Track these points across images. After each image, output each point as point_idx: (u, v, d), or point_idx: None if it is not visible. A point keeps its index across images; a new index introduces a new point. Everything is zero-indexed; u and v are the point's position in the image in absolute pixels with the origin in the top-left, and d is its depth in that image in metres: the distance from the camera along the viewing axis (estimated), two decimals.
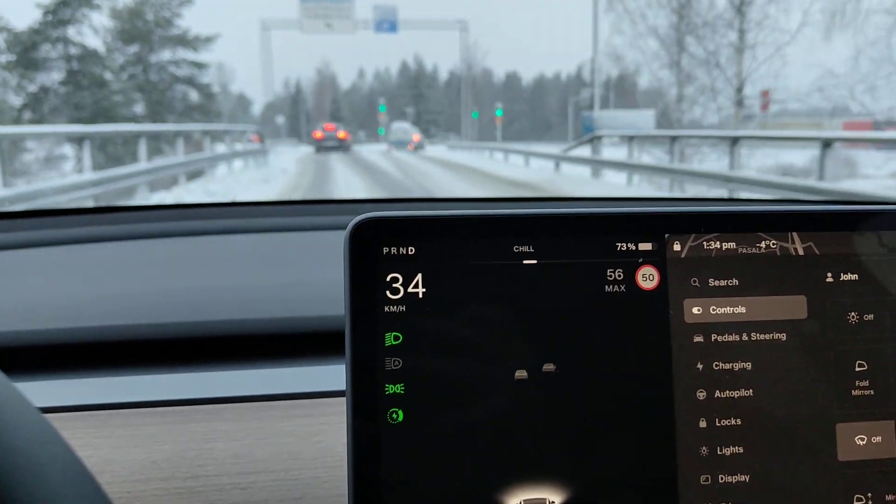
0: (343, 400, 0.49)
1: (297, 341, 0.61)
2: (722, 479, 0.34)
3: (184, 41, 17.12)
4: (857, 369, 0.36)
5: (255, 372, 0.56)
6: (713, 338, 0.35)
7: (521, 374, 0.34)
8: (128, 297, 0.68)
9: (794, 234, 0.36)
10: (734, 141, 7.77)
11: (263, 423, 0.50)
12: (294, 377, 0.55)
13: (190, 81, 18.03)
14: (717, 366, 0.35)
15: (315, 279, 0.74)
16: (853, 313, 0.36)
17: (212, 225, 0.93)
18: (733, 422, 0.35)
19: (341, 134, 29.69)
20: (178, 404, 0.51)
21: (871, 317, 0.36)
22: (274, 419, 0.50)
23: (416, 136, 32.84)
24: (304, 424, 0.49)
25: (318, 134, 29.23)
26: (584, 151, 12.62)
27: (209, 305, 0.65)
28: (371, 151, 27.01)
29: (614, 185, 10.13)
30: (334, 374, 0.54)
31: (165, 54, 17.26)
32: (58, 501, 0.23)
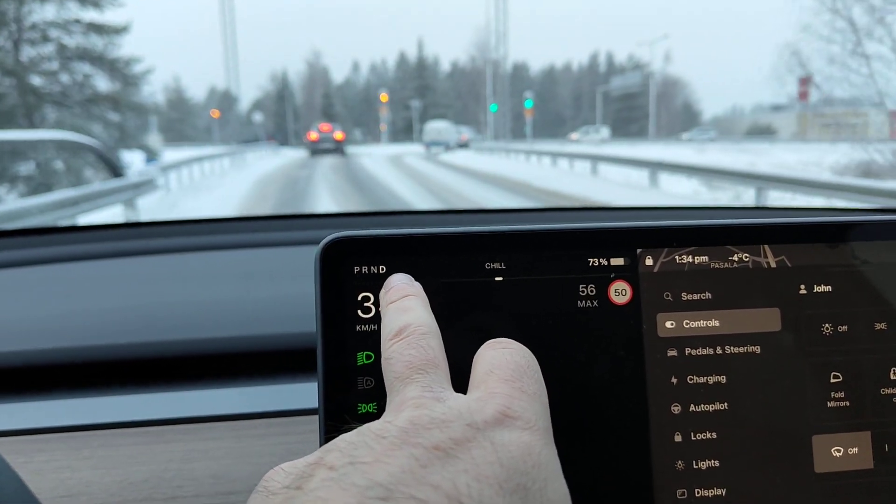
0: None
1: (272, 358, 0.62)
2: (698, 493, 0.36)
3: None
4: (833, 381, 0.37)
5: (232, 390, 0.57)
6: (687, 352, 0.37)
7: None
8: (101, 315, 0.70)
9: (766, 247, 0.38)
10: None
11: (242, 443, 0.51)
12: (271, 395, 0.57)
13: (91, 57, 11.25)
14: (691, 380, 0.36)
15: (289, 295, 0.76)
16: (827, 325, 0.38)
17: (183, 242, 0.95)
18: (708, 435, 0.36)
19: (338, 135, 28.01)
20: (156, 424, 0.54)
21: (844, 328, 0.38)
22: (252, 437, 0.51)
23: (463, 136, 32.39)
24: (282, 442, 0.51)
25: (313, 135, 27.64)
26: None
27: (184, 323, 0.66)
28: (374, 158, 23.22)
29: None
30: (310, 392, 0.57)
31: (47, 11, 10.64)
32: None
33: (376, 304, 0.35)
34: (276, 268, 0.89)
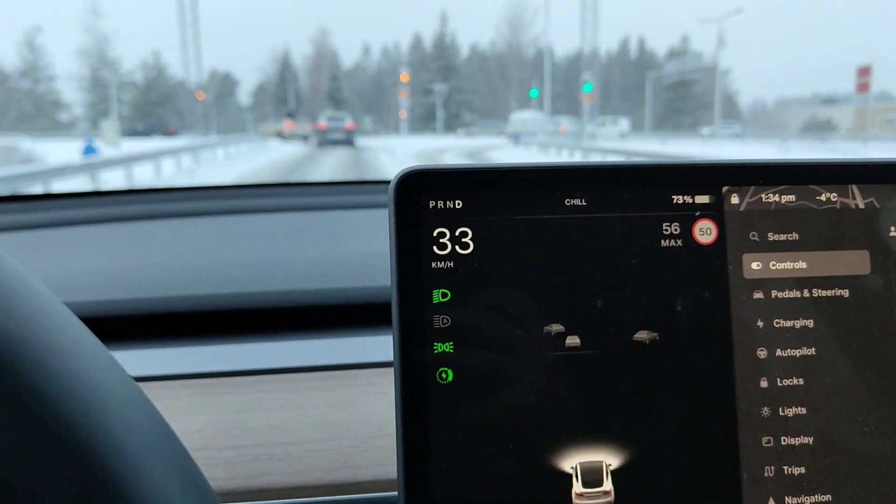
0: (380, 370, 0.55)
1: (327, 314, 0.63)
2: (784, 440, 0.36)
3: None
4: None
5: (287, 344, 0.59)
6: (773, 294, 0.36)
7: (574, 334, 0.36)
8: (160, 270, 0.74)
9: (854, 187, 0.38)
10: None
11: (297, 395, 0.52)
12: (327, 349, 0.58)
13: None
14: (778, 323, 0.36)
15: (341, 253, 0.79)
16: None
17: (250, 203, 0.99)
18: (796, 381, 0.36)
19: (349, 124, 26.00)
20: (209, 376, 0.57)
21: None
22: (307, 390, 0.52)
23: (562, 128, 29.81)
24: (340, 395, 0.52)
25: (322, 124, 25.40)
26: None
27: (235, 279, 0.71)
28: (397, 156, 19.62)
29: None
30: (366, 346, 0.58)
31: None
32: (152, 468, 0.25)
33: (452, 240, 0.35)
34: (322, 230, 0.93)
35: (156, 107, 49.29)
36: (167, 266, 0.76)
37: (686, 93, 54.22)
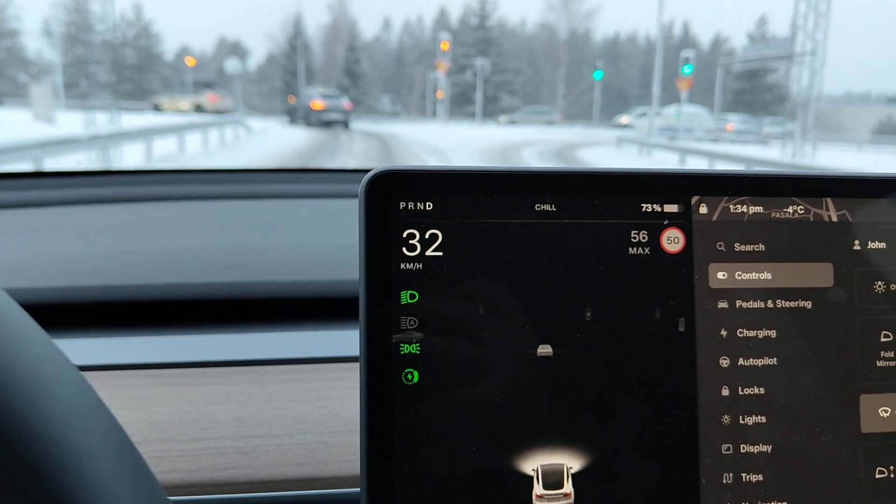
0: (349, 365, 0.55)
1: (298, 306, 0.63)
2: (744, 448, 0.37)
3: None
4: (883, 339, 0.38)
5: (257, 336, 0.59)
6: (738, 304, 0.37)
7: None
8: (128, 256, 0.73)
9: (829, 200, 0.39)
10: None
11: (266, 388, 0.53)
12: (297, 342, 0.58)
13: None
14: (741, 333, 0.37)
15: (311, 244, 0.79)
16: (880, 283, 0.39)
17: (217, 190, 0.98)
18: (756, 390, 0.37)
19: (347, 103, 23.97)
20: (177, 367, 0.57)
21: None
22: (277, 383, 0.52)
23: (729, 126, 23.76)
24: (308, 389, 0.52)
25: (318, 103, 22.78)
26: None
27: (202, 267, 0.71)
28: (451, 146, 15.43)
29: None
30: (337, 340, 0.58)
31: None
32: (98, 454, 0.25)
33: (421, 241, 0.35)
34: (295, 219, 0.92)
35: (133, 73, 42.43)
36: (135, 252, 0.75)
37: (759, 84, 45.94)
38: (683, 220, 0.38)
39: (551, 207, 0.37)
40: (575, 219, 0.37)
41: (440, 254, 0.36)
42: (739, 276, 0.38)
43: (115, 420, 0.28)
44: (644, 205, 0.38)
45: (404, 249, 0.35)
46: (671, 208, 0.38)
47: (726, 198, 0.39)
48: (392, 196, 0.36)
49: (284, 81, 41.82)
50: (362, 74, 41.06)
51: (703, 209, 0.38)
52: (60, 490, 0.23)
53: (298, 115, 26.00)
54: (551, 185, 0.37)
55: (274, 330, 0.61)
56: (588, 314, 0.37)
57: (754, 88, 46.33)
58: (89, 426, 0.26)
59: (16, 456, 0.22)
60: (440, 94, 31.73)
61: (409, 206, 0.36)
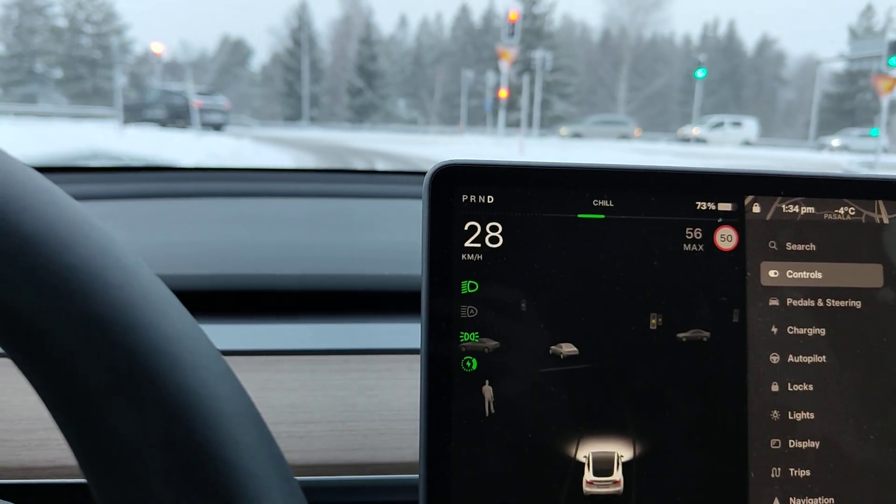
0: (397, 357, 0.56)
1: (348, 299, 0.66)
2: (792, 443, 0.38)
3: None
4: None
5: (307, 327, 0.61)
6: (788, 302, 0.38)
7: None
8: (189, 247, 0.77)
9: (881, 202, 0.39)
10: None
11: (317, 376, 0.54)
12: (346, 334, 0.60)
13: None
14: (791, 330, 0.38)
15: (372, 242, 0.82)
16: None
17: (286, 188, 1.01)
18: (805, 387, 0.38)
19: (227, 103, 21.19)
20: (231, 354, 0.59)
21: None
22: (327, 372, 0.54)
23: None
24: (358, 378, 0.54)
25: (198, 101, 19.58)
26: None
27: (262, 259, 0.73)
28: None
29: None
30: (387, 333, 0.60)
31: None
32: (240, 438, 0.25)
33: (482, 233, 0.37)
34: (359, 217, 0.95)
35: (90, 65, 34.53)
36: (189, 244, 0.78)
37: (851, 88, 37.80)
38: (737, 219, 0.39)
39: (609, 203, 0.38)
40: (631, 214, 0.38)
41: (500, 246, 0.37)
42: (791, 274, 0.39)
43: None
44: (699, 203, 0.39)
45: (466, 241, 0.37)
46: (725, 207, 0.39)
47: (779, 198, 0.40)
48: (455, 189, 0.37)
49: (286, 82, 34.74)
50: (379, 74, 33.09)
51: (757, 208, 0.39)
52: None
53: (147, 113, 21.05)
54: (609, 181, 0.38)
55: (326, 321, 0.64)
56: (641, 308, 0.38)
57: (856, 94, 38.27)
58: (239, 406, 0.27)
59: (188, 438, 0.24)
60: (504, 93, 20.72)
61: (471, 198, 0.37)
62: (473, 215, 0.37)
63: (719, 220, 0.39)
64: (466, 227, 0.37)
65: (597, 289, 0.38)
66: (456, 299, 0.37)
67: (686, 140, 24.76)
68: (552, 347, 0.37)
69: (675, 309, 0.38)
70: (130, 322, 0.24)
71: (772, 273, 0.39)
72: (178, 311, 0.27)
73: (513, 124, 28.31)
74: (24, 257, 0.23)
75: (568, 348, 0.38)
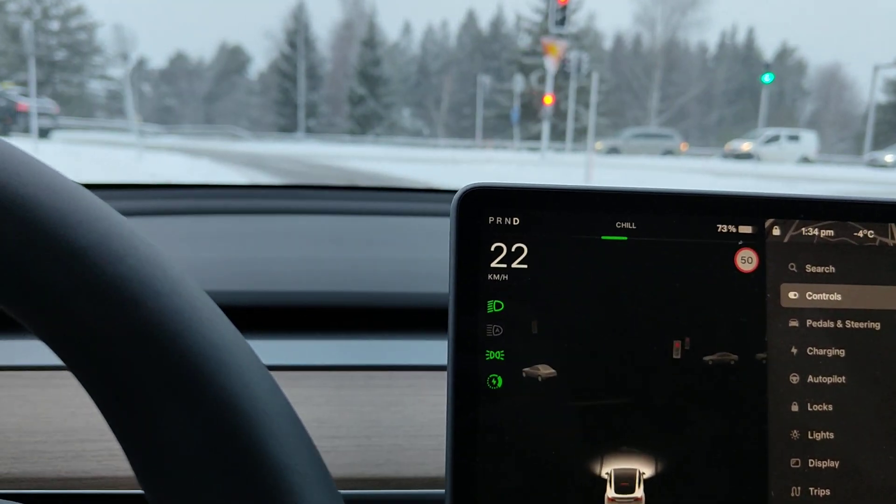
0: (419, 373, 0.58)
1: (372, 316, 0.67)
2: (812, 463, 0.39)
3: None
4: None
5: (334, 343, 0.63)
6: (808, 323, 0.39)
7: None
8: (216, 264, 0.78)
9: (892, 225, 0.40)
10: None
11: (342, 392, 0.55)
12: (370, 350, 0.62)
13: None
14: (811, 351, 0.39)
15: (387, 258, 0.83)
16: None
17: (312, 205, 1.04)
18: (825, 407, 0.39)
19: (55, 106, 18.85)
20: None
21: None
22: (352, 388, 0.55)
23: None
24: (383, 395, 0.55)
25: (22, 104, 17.30)
26: None
27: (284, 276, 0.75)
28: None
29: None
30: (411, 349, 0.62)
31: None
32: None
33: (508, 254, 0.38)
34: (385, 234, 0.97)
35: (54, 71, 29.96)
36: (215, 262, 0.79)
37: None
38: (757, 241, 0.40)
39: (631, 225, 0.40)
40: (653, 237, 0.40)
41: (525, 266, 0.38)
42: (810, 296, 0.40)
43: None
44: (720, 225, 0.40)
45: (492, 261, 0.38)
46: (745, 229, 0.40)
47: (798, 221, 0.41)
48: (482, 210, 0.39)
49: (282, 89, 32.28)
50: (383, 80, 31.00)
51: (777, 231, 0.41)
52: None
53: None
54: (632, 204, 0.40)
55: (349, 338, 0.65)
56: (662, 328, 0.39)
57: None
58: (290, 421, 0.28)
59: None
60: (549, 100, 15.84)
61: (498, 220, 0.39)
62: (500, 237, 0.39)
63: (740, 243, 0.40)
64: (493, 248, 0.38)
65: (620, 308, 0.39)
66: (482, 318, 0.38)
67: (737, 156, 22.46)
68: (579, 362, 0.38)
69: (701, 332, 0.39)
70: (178, 328, 0.26)
71: (792, 294, 0.40)
72: (220, 319, 0.28)
73: (533, 137, 26.47)
74: (80, 269, 0.25)
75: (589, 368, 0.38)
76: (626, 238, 0.39)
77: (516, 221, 0.39)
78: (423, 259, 0.81)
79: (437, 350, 0.61)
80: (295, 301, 0.67)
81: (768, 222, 0.41)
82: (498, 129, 30.01)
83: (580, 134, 26.52)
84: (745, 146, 24.13)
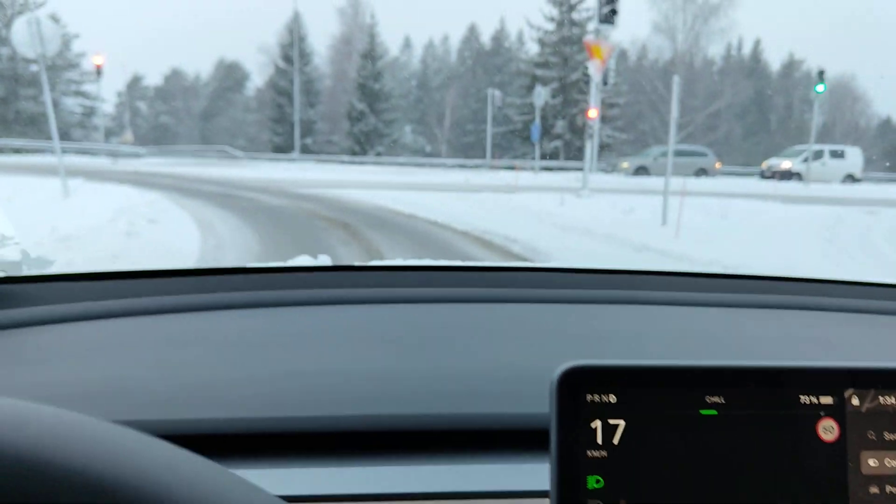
0: (503, 502, 0.59)
1: (462, 438, 0.66)
2: None
3: None
4: None
5: (425, 468, 0.63)
6: (888, 490, 0.42)
7: None
8: (284, 380, 0.74)
9: None
10: None
11: None
12: (460, 475, 0.61)
13: None
14: None
15: (461, 368, 0.80)
16: None
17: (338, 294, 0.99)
18: None
19: None
20: (352, 500, 0.60)
21: None
22: None
23: None
24: None
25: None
26: None
27: (353, 396, 0.71)
28: None
29: None
30: (506, 475, 0.60)
31: None
32: None
33: (605, 430, 0.41)
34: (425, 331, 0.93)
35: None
36: (280, 375, 0.78)
37: None
38: (837, 411, 0.43)
39: (720, 399, 0.43)
40: (741, 410, 0.43)
41: (624, 443, 0.42)
42: (889, 462, 0.43)
43: None
44: (802, 397, 0.43)
45: (591, 438, 0.41)
46: (826, 400, 0.43)
47: (875, 391, 0.44)
48: (580, 389, 0.42)
49: (276, 105, 29.75)
50: (383, 95, 28.58)
51: (856, 401, 0.43)
52: None
53: None
54: (720, 380, 0.43)
55: (421, 462, 0.65)
56: (752, 499, 0.42)
57: None
58: None
59: None
60: (593, 114, 13.84)
61: (596, 398, 0.42)
62: (598, 414, 0.42)
63: (821, 413, 0.43)
64: (592, 426, 0.42)
65: (712, 482, 0.42)
66: (583, 493, 0.41)
67: (774, 175, 20.25)
68: None
69: (784, 499, 0.42)
70: None
71: (871, 462, 0.43)
72: None
73: (547, 156, 24.81)
74: None
75: None
76: (716, 412, 0.42)
77: (613, 399, 0.42)
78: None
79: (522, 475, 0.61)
80: (361, 426, 0.67)
81: (847, 392, 0.43)
82: (505, 147, 28.11)
83: (600, 151, 23.83)
84: (786, 164, 21.46)
